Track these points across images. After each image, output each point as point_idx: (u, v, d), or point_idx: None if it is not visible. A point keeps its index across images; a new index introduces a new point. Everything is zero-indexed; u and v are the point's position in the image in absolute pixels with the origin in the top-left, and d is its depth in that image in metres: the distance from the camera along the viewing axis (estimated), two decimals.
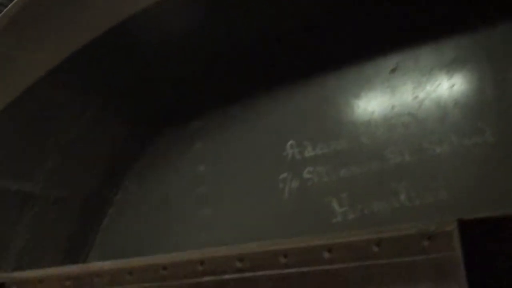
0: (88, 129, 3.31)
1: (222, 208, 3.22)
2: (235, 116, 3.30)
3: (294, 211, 2.99)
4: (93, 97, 3.23)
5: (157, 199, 3.48)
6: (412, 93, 2.80)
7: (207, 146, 3.37)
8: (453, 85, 2.70)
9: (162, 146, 3.54)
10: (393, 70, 2.87)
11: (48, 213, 3.35)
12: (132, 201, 3.57)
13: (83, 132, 3.30)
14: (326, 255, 1.72)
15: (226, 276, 1.87)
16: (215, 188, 3.28)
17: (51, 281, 2.20)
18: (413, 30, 2.81)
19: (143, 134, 3.55)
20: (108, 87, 3.22)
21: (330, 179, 2.92)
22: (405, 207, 2.70)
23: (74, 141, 3.29)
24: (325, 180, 2.93)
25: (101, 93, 3.24)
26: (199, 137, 3.40)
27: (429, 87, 2.76)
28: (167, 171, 3.49)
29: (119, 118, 3.43)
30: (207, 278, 1.91)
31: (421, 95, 2.77)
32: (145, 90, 3.35)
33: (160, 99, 3.45)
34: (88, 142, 3.37)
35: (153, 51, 3.09)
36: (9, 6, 2.73)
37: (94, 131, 3.34)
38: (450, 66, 2.73)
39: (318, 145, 2.98)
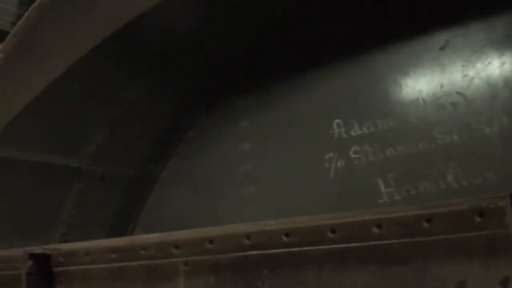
0: (134, 107, 3.33)
1: (267, 187, 3.22)
2: (280, 94, 3.28)
3: (339, 191, 2.98)
4: (139, 75, 3.25)
5: (202, 176, 3.50)
6: (462, 71, 2.75)
7: (252, 124, 3.37)
8: (503, 63, 2.65)
9: (208, 124, 3.55)
10: (442, 48, 2.82)
11: (94, 189, 3.39)
12: (177, 178, 3.60)
13: (129, 110, 3.32)
14: (375, 230, 1.69)
15: (273, 251, 1.86)
16: (260, 167, 3.28)
17: (97, 253, 2.22)
18: (464, 6, 2.75)
19: (188, 112, 3.56)
20: (154, 63, 3.22)
21: (376, 159, 2.89)
22: (452, 188, 2.66)
23: (120, 118, 3.32)
24: (371, 159, 2.91)
25: (147, 70, 3.25)
26: (245, 115, 3.40)
27: (479, 65, 2.71)
28: (212, 149, 3.50)
29: (165, 95, 3.45)
30: (253, 252, 1.89)
31: (471, 73, 2.72)
32: (191, 69, 3.35)
33: (206, 78, 3.45)
34: (135, 120, 3.40)
35: (198, 27, 3.08)
36: None
37: (140, 109, 3.37)
38: (501, 44, 2.67)
39: (365, 124, 2.95)
